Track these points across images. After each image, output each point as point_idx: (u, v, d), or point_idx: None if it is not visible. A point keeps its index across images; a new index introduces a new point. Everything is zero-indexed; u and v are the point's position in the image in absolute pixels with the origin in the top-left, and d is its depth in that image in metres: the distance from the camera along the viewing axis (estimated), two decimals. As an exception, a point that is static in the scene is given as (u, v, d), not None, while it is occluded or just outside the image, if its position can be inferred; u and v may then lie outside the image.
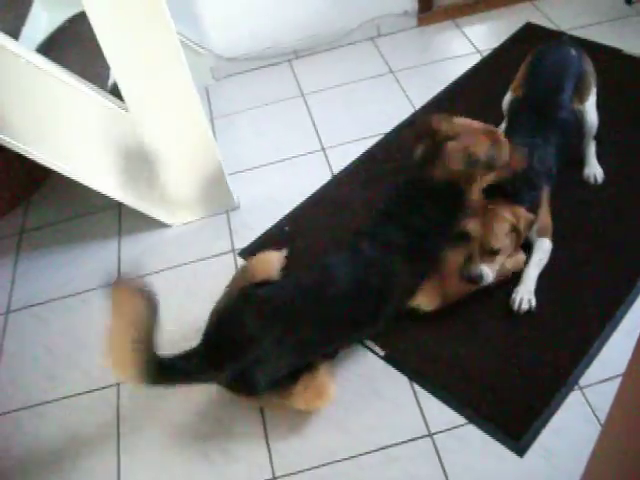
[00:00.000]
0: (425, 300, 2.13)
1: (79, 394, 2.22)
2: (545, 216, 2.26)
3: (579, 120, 2.42)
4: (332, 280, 2.02)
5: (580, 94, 2.41)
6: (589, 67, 2.45)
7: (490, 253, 2.09)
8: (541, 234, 2.26)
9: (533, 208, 2.17)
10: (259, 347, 1.86)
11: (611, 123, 2.65)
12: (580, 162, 2.57)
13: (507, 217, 2.07)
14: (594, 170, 2.52)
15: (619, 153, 2.63)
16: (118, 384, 2.22)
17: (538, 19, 3.50)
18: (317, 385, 1.92)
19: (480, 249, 2.09)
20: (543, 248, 2.24)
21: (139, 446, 2.03)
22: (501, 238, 2.07)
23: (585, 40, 3.25)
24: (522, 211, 2.10)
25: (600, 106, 2.50)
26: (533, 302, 2.14)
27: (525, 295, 2.14)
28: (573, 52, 2.44)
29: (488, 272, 2.10)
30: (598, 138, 2.56)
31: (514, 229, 2.09)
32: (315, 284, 2.03)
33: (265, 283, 2.10)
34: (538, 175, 2.21)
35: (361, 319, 2.04)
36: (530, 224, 2.13)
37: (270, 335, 1.88)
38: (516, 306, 2.13)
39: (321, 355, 2.00)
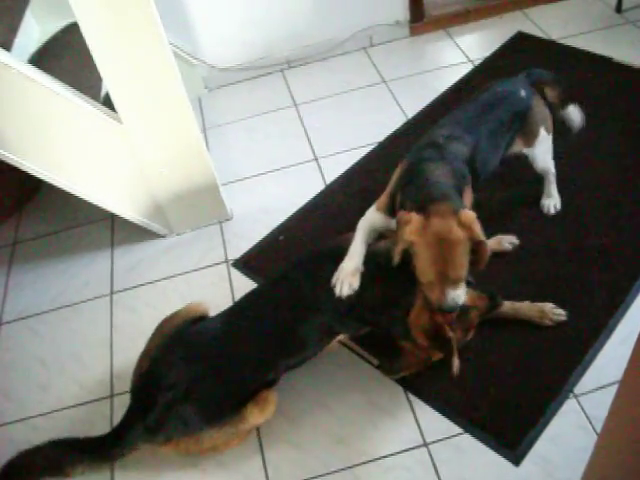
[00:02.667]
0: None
1: (73, 406, 2.21)
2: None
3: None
4: (259, 313, 2.02)
5: (525, 137, 2.24)
6: (539, 113, 2.25)
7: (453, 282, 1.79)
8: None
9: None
10: (183, 384, 1.88)
11: (602, 131, 2.67)
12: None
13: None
14: (552, 201, 2.48)
15: (604, 161, 2.64)
16: (112, 396, 2.21)
17: (529, 28, 3.52)
18: (258, 400, 1.92)
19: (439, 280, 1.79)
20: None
21: (132, 458, 2.01)
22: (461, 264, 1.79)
23: (575, 49, 3.28)
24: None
25: (590, 114, 2.49)
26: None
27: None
28: (522, 93, 2.22)
29: (459, 295, 1.80)
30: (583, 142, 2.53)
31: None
32: (242, 318, 2.04)
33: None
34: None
35: (284, 351, 2.00)
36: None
37: (195, 371, 1.91)
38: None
39: (261, 383, 1.96)
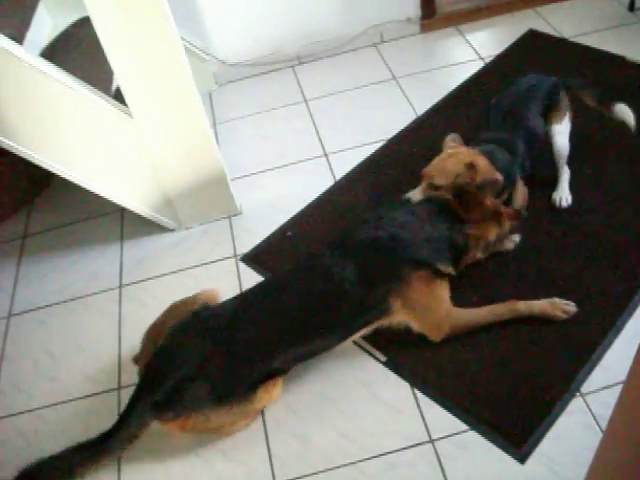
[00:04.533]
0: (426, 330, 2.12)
1: (80, 398, 2.22)
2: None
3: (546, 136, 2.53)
4: (281, 292, 2.08)
5: (555, 114, 2.51)
6: (566, 100, 2.53)
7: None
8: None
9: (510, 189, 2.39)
10: (195, 361, 1.93)
11: (614, 129, 2.66)
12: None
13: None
14: (562, 194, 2.51)
15: (616, 159, 2.63)
16: (119, 388, 2.22)
17: (541, 26, 3.50)
18: (267, 386, 1.97)
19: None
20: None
21: (139, 450, 2.03)
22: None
23: (588, 47, 3.26)
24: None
25: (602, 113, 2.51)
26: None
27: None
28: (554, 79, 2.56)
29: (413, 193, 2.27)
30: (573, 166, 2.56)
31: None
32: (258, 302, 2.09)
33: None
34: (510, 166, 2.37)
35: (305, 332, 2.03)
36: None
37: (208, 350, 1.95)
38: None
39: (271, 368, 1.98)
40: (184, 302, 2.16)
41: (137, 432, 1.94)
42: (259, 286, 2.17)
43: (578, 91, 2.57)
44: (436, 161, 2.30)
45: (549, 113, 2.51)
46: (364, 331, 2.10)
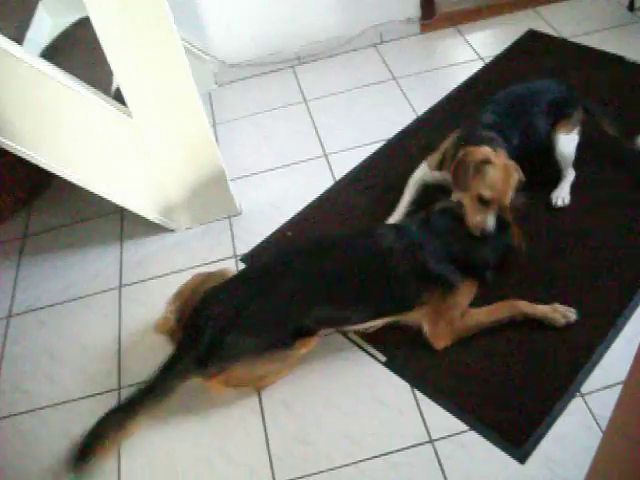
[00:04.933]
0: (433, 337, 2.12)
1: (81, 398, 2.22)
2: None
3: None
4: (325, 252, 2.14)
5: (564, 123, 2.49)
6: (580, 116, 2.52)
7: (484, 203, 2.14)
8: None
9: None
10: (232, 312, 1.99)
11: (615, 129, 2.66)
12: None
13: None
14: (560, 194, 2.51)
15: (618, 160, 2.63)
16: (119, 389, 2.22)
17: (540, 26, 3.51)
18: (304, 339, 2.04)
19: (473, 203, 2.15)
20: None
21: (139, 450, 2.03)
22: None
23: (587, 47, 3.26)
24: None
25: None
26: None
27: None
28: (574, 93, 2.55)
29: (491, 219, 2.13)
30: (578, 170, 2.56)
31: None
32: (304, 253, 2.17)
33: None
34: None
35: (341, 296, 2.08)
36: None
37: (245, 300, 2.02)
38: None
39: (304, 322, 2.05)
40: (209, 274, 2.28)
41: (178, 384, 1.97)
42: (303, 243, 2.26)
43: (598, 117, 2.56)
44: (495, 181, 2.13)
45: (558, 122, 2.49)
46: (384, 320, 2.13)
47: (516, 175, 2.18)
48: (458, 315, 2.10)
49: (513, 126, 2.41)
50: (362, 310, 2.10)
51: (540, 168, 2.53)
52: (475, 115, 2.49)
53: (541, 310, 2.12)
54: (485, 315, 2.14)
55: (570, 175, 2.53)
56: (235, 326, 1.98)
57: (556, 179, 2.55)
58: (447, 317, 2.09)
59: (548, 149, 2.51)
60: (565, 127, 2.48)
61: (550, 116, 2.48)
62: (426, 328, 2.10)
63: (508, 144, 2.35)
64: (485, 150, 2.18)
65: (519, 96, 2.53)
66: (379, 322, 2.14)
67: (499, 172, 2.14)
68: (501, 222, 2.18)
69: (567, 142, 2.48)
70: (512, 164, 2.19)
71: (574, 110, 2.50)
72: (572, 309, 2.11)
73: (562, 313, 2.10)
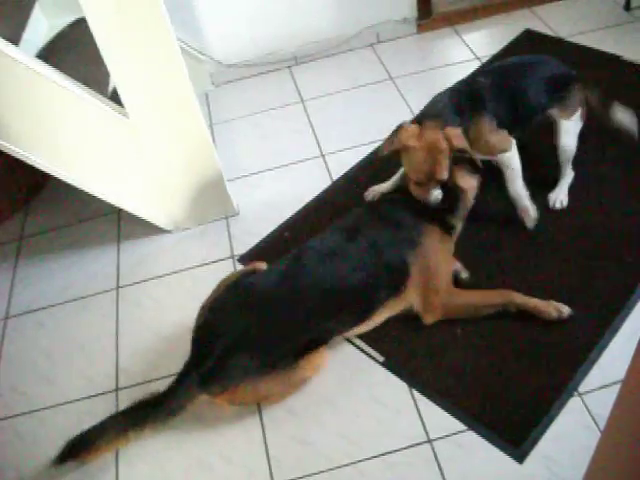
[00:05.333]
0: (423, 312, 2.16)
1: (78, 399, 2.22)
2: (490, 136, 2.30)
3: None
4: (306, 266, 2.13)
5: (563, 108, 2.41)
6: (580, 95, 2.43)
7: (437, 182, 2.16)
8: (494, 152, 2.32)
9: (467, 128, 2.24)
10: (238, 331, 1.99)
11: (607, 128, 2.66)
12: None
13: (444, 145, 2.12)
14: (558, 195, 2.50)
15: (613, 159, 2.64)
16: (117, 390, 2.22)
17: (537, 26, 3.51)
18: (310, 356, 2.03)
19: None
20: (504, 162, 2.33)
21: (137, 452, 2.03)
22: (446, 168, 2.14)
23: (584, 47, 3.26)
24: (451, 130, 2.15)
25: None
26: (535, 214, 2.38)
27: (529, 210, 2.37)
28: (574, 72, 2.47)
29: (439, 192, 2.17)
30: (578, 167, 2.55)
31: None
32: (293, 270, 2.14)
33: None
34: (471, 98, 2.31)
35: (330, 307, 2.09)
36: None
37: (250, 318, 2.01)
38: (529, 224, 2.39)
39: (313, 337, 2.06)
40: (230, 275, 2.28)
41: (184, 405, 1.97)
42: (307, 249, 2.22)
43: (587, 90, 2.49)
44: (417, 165, 2.16)
45: (558, 105, 2.41)
46: (379, 316, 2.15)
47: (445, 146, 2.10)
48: (444, 284, 2.15)
49: (500, 95, 2.33)
50: (353, 312, 2.12)
51: (540, 162, 2.54)
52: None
53: (534, 302, 2.13)
54: (475, 297, 2.17)
55: (568, 176, 2.52)
56: (240, 347, 1.98)
57: (554, 176, 2.55)
58: (432, 285, 2.13)
59: (540, 124, 2.48)
60: (565, 111, 2.41)
61: (547, 93, 2.39)
62: (416, 303, 2.14)
63: (490, 112, 2.30)
64: (408, 133, 2.16)
65: (512, 66, 2.48)
66: (373, 322, 2.16)
67: (420, 155, 2.13)
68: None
69: (568, 129, 2.43)
70: (442, 137, 2.11)
71: (573, 89, 2.42)
72: (566, 306, 2.12)
73: (555, 307, 2.11)
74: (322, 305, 2.07)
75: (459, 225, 2.28)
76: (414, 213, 2.21)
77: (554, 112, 2.42)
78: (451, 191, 2.22)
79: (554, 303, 2.12)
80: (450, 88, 2.42)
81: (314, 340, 2.05)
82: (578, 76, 2.46)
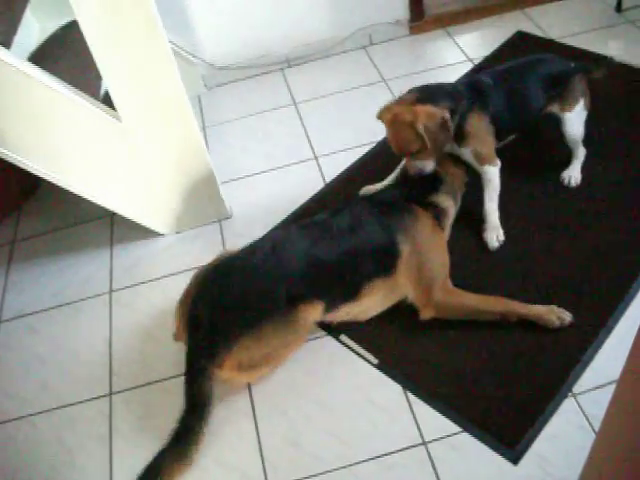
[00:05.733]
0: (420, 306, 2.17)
1: (72, 404, 2.21)
2: (484, 144, 2.35)
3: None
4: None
5: (565, 101, 2.44)
6: (582, 85, 2.46)
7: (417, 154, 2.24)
8: (482, 162, 2.35)
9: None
10: (218, 295, 2.07)
11: (602, 130, 2.67)
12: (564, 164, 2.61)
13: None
14: (571, 173, 2.56)
15: (607, 159, 2.64)
16: (110, 394, 2.21)
17: (529, 27, 3.52)
18: (305, 305, 2.06)
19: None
20: (488, 176, 2.36)
21: (132, 457, 2.02)
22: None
23: (576, 48, 3.27)
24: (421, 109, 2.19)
25: (590, 113, 2.52)
26: (501, 237, 2.38)
27: (494, 233, 2.37)
28: (572, 64, 2.48)
29: (423, 164, 2.26)
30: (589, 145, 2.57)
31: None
32: (275, 240, 2.23)
33: None
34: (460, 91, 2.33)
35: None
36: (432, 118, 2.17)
37: (227, 282, 2.09)
38: (492, 245, 2.37)
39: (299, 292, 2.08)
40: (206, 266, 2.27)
41: (209, 390, 1.97)
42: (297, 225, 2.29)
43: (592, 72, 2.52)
44: (391, 140, 2.30)
45: (556, 101, 2.45)
46: (370, 298, 2.14)
47: (409, 119, 2.17)
48: (439, 276, 2.16)
49: (501, 99, 2.37)
50: (339, 284, 2.12)
51: (548, 148, 2.61)
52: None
53: (535, 310, 2.12)
54: (474, 300, 2.16)
55: (581, 155, 2.56)
56: (226, 306, 2.02)
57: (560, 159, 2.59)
58: (427, 275, 2.13)
59: (538, 122, 2.55)
60: (567, 104, 2.44)
61: (546, 92, 2.42)
62: (410, 293, 2.15)
63: (490, 113, 2.34)
64: (384, 109, 2.30)
65: (510, 70, 2.50)
66: (374, 298, 2.16)
67: (388, 128, 2.27)
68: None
69: (571, 121, 2.47)
70: (407, 112, 2.18)
71: (573, 81, 2.43)
72: (568, 313, 2.11)
73: (557, 314, 2.10)
74: (305, 270, 2.09)
75: (445, 204, 2.32)
76: (405, 198, 2.28)
77: (554, 108, 2.47)
78: (437, 173, 2.33)
79: (555, 309, 2.11)
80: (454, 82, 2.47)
81: (302, 294, 2.06)
82: (578, 67, 2.47)
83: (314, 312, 2.07)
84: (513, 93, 2.39)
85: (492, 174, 2.35)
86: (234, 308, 2.02)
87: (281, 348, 2.07)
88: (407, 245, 2.14)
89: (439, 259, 2.19)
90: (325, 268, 2.10)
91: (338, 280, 2.12)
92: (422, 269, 2.14)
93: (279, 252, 2.13)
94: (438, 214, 2.28)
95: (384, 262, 2.14)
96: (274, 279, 2.06)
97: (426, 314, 2.15)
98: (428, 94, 2.26)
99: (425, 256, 2.15)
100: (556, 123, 2.51)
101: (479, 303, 2.15)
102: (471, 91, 2.34)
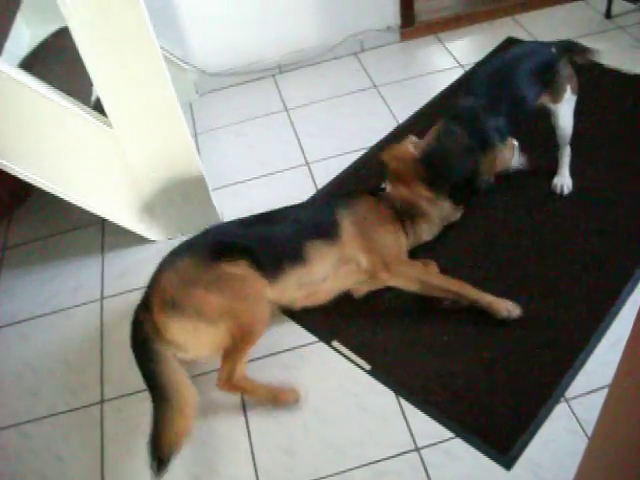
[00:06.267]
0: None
1: (62, 412, 2.20)
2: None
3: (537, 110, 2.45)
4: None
5: (553, 92, 2.39)
6: (567, 71, 2.40)
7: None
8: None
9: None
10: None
11: (590, 135, 2.69)
12: (553, 171, 2.60)
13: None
14: (563, 180, 2.56)
15: (596, 165, 2.66)
16: (102, 402, 2.20)
17: (519, 33, 3.54)
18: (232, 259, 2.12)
19: None
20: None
21: (124, 465, 2.01)
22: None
23: (566, 54, 3.29)
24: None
25: (580, 118, 2.51)
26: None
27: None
28: (553, 49, 2.38)
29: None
30: (574, 148, 2.56)
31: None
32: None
33: None
34: (487, 131, 2.31)
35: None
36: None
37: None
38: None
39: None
40: None
41: (155, 341, 2.00)
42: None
43: (574, 53, 2.48)
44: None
45: (545, 91, 2.37)
46: (320, 265, 2.19)
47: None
48: (389, 244, 2.26)
49: (496, 102, 2.31)
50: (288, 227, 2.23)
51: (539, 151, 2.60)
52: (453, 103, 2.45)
53: (488, 299, 2.15)
54: (430, 276, 2.23)
55: (567, 156, 2.54)
56: (165, 265, 2.15)
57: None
58: (377, 243, 2.24)
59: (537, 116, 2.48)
60: (556, 94, 2.39)
61: (535, 86, 2.34)
62: (363, 261, 2.23)
63: (493, 121, 2.30)
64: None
65: (498, 68, 2.39)
66: (323, 266, 2.19)
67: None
68: None
69: (563, 111, 2.43)
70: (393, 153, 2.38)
71: (558, 68, 2.37)
72: (519, 308, 2.14)
73: (506, 307, 2.13)
74: (246, 232, 2.23)
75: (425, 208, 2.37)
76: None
77: (545, 100, 2.40)
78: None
79: (507, 302, 2.14)
80: (451, 116, 2.36)
81: (231, 249, 2.13)
82: (560, 50, 2.39)
83: (238, 268, 2.08)
84: (507, 99, 2.33)
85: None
86: (168, 260, 2.16)
87: (208, 298, 2.03)
88: (346, 216, 2.25)
89: (387, 235, 2.28)
90: (269, 234, 2.21)
91: (279, 241, 2.20)
92: (369, 239, 2.23)
93: (234, 224, 2.31)
94: (403, 206, 2.34)
95: (324, 228, 2.23)
96: (211, 237, 2.21)
97: (383, 277, 2.21)
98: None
99: (369, 227, 2.25)
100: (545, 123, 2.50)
101: (434, 279, 2.21)
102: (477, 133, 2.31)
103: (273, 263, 2.13)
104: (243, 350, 2.02)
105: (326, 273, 2.20)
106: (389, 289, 2.26)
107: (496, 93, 2.31)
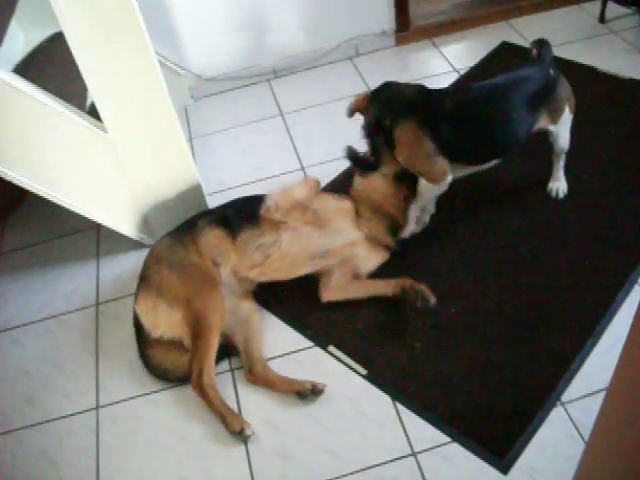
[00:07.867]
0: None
1: (57, 418, 2.19)
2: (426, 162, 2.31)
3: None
4: None
5: (551, 113, 2.34)
6: (565, 90, 2.36)
7: None
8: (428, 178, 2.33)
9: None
10: None
11: (584, 139, 2.69)
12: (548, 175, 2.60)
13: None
14: (558, 184, 2.56)
15: (591, 169, 2.66)
16: (97, 408, 2.19)
17: (513, 38, 3.55)
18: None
19: None
20: (421, 189, 2.37)
21: (119, 471, 2.00)
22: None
23: (560, 58, 3.29)
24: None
25: (574, 123, 2.51)
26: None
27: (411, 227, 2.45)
28: (551, 71, 2.33)
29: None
30: (569, 152, 2.53)
31: None
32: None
33: None
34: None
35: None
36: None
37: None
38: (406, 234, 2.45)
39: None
40: None
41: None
42: None
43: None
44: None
45: (543, 115, 2.32)
46: (249, 242, 2.31)
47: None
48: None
49: (463, 124, 2.26)
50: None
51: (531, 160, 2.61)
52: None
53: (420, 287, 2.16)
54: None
55: (562, 161, 2.52)
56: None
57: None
58: None
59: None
60: (555, 116, 2.35)
61: (532, 111, 2.28)
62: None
63: (437, 137, 2.26)
64: None
65: (492, 88, 2.33)
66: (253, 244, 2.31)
67: None
68: None
69: (561, 132, 2.40)
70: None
71: (557, 89, 2.32)
72: (433, 297, 2.12)
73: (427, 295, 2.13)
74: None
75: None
76: None
77: (542, 123, 2.34)
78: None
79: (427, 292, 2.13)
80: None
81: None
82: (558, 73, 2.35)
83: (213, 233, 2.30)
84: (497, 120, 2.30)
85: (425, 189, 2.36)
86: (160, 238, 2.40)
87: (169, 278, 2.21)
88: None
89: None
90: (242, 206, 2.43)
91: (246, 209, 2.40)
92: None
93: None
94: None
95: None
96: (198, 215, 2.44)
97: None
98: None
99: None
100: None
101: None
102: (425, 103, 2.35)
103: (238, 225, 2.32)
104: (205, 346, 2.09)
105: (274, 238, 2.28)
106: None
107: (480, 111, 2.28)
